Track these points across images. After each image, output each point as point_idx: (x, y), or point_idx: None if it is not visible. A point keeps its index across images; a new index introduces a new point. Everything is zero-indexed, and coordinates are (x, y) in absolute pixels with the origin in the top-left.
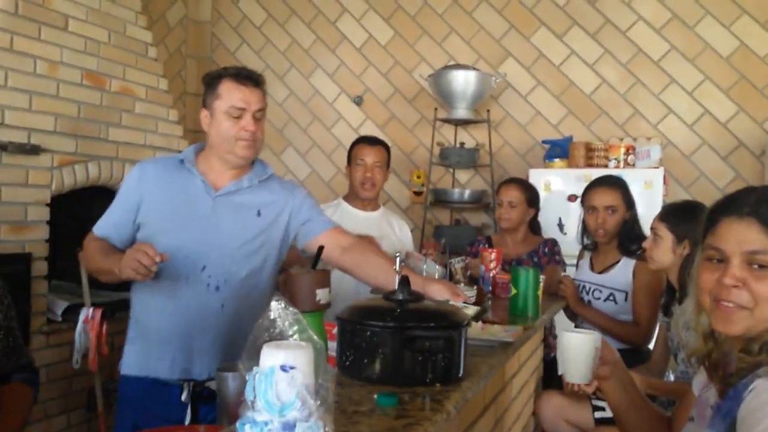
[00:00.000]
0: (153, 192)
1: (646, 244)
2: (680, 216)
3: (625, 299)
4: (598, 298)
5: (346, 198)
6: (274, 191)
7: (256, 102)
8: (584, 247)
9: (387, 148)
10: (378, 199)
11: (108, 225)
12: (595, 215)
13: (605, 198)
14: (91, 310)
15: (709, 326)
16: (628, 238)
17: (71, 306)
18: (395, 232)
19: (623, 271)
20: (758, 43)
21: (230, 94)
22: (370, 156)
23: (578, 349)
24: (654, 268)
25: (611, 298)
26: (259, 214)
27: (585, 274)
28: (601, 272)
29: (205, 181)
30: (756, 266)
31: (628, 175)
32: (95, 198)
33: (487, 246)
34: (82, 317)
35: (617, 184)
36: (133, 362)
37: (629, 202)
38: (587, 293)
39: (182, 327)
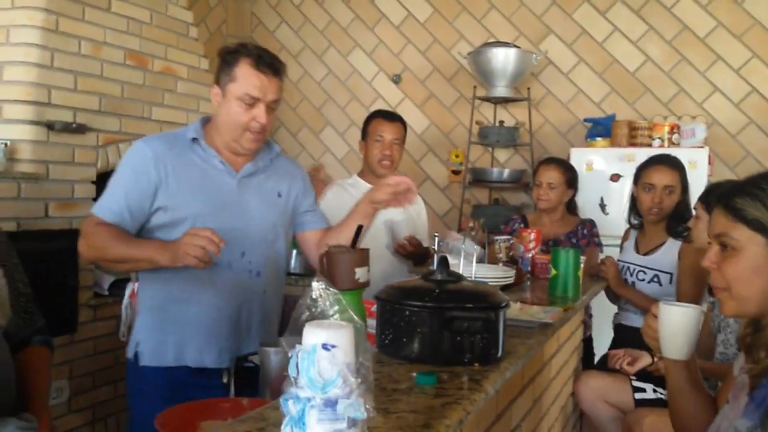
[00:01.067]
0: (172, 174)
1: (690, 224)
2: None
3: (670, 281)
4: (642, 280)
5: (361, 175)
6: (286, 171)
7: (272, 92)
8: (631, 226)
9: (404, 123)
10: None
11: (121, 209)
12: (652, 194)
13: (665, 177)
14: (136, 284)
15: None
16: (678, 219)
17: (117, 280)
18: (412, 215)
19: (669, 252)
20: None
21: (247, 80)
22: (389, 132)
23: (680, 323)
24: (698, 248)
25: (656, 279)
26: (279, 195)
27: (629, 256)
28: (645, 254)
29: (224, 162)
30: (723, 247)
31: (674, 155)
32: None
33: (523, 225)
34: (128, 291)
35: (677, 164)
36: (160, 353)
37: (685, 184)
38: (631, 275)
39: (228, 315)
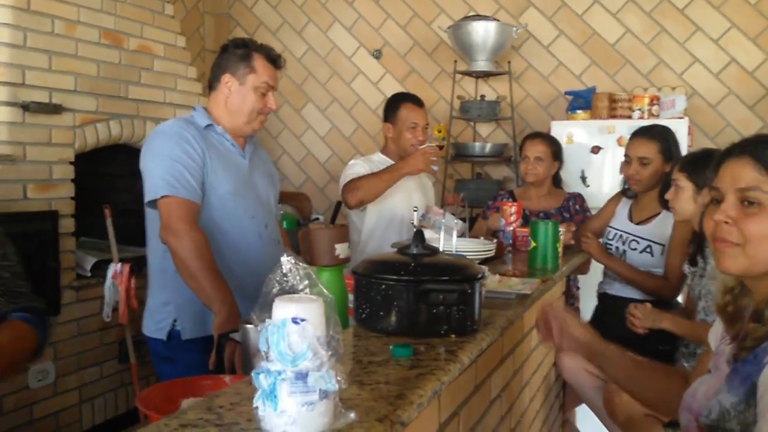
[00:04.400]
0: (207, 155)
1: (668, 196)
2: (699, 164)
3: (662, 253)
4: (635, 249)
5: (385, 153)
6: (266, 157)
7: (276, 83)
8: (626, 195)
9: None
10: None
11: (195, 187)
12: (628, 166)
13: (640, 149)
14: (119, 265)
15: (730, 279)
16: (667, 190)
17: (99, 262)
18: (426, 184)
19: (663, 224)
20: None
21: (264, 71)
22: (421, 119)
23: None
24: (678, 219)
25: (648, 250)
26: (270, 176)
27: (622, 223)
28: (639, 223)
29: (235, 144)
30: (746, 203)
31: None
32: (118, 156)
33: (510, 200)
34: (110, 272)
35: (655, 135)
36: (201, 323)
37: (668, 154)
38: (623, 243)
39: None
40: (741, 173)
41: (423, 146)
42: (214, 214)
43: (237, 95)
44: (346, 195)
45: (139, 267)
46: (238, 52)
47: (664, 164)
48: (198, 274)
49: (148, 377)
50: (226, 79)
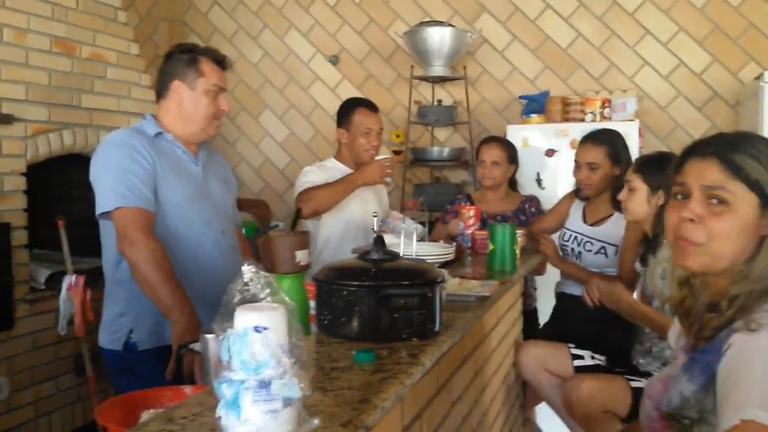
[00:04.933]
0: (157, 164)
1: (621, 196)
2: (653, 166)
3: (615, 253)
4: (590, 251)
5: (339, 159)
6: (221, 162)
7: (226, 83)
8: (578, 197)
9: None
10: None
11: (147, 194)
12: (578, 171)
13: (588, 155)
14: (74, 277)
15: (684, 274)
16: (618, 192)
17: (54, 274)
18: (379, 189)
19: (616, 225)
20: None
21: (213, 74)
22: (375, 124)
23: None
24: (630, 219)
25: (602, 251)
26: (226, 182)
27: (577, 225)
28: (593, 224)
29: (187, 151)
30: (714, 201)
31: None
32: (72, 166)
33: (468, 204)
34: (65, 284)
35: (603, 140)
36: (158, 333)
37: (616, 158)
38: (578, 244)
39: (222, 290)
40: (707, 172)
41: (379, 157)
42: (168, 223)
43: (189, 101)
44: (301, 205)
45: (94, 278)
46: (184, 57)
47: (612, 167)
48: (156, 284)
49: (106, 390)
50: (176, 85)
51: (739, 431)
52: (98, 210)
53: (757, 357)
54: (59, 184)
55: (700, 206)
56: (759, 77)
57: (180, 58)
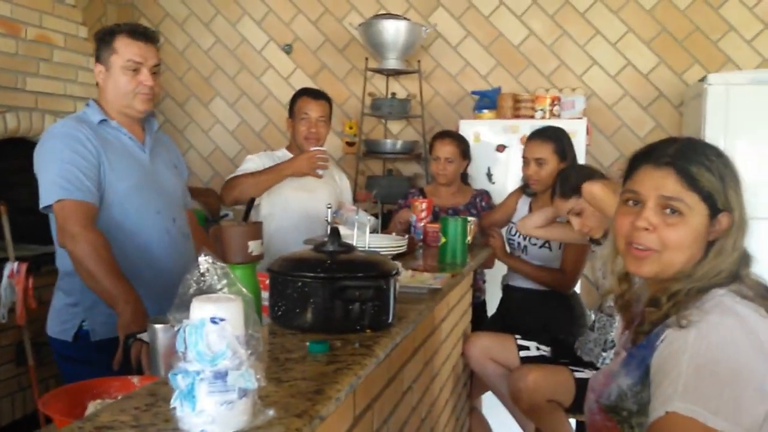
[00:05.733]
0: (102, 153)
1: (571, 219)
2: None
3: (559, 247)
4: (535, 244)
5: (289, 149)
6: (169, 145)
7: (152, 57)
8: (525, 193)
9: (330, 101)
10: None
11: (90, 187)
12: (527, 167)
13: (536, 151)
14: (16, 264)
15: (624, 268)
16: None
17: None
18: (336, 181)
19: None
20: None
21: (127, 49)
22: (314, 110)
23: None
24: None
25: (546, 245)
26: (175, 166)
27: None
28: None
29: (133, 137)
30: (668, 210)
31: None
32: (15, 150)
33: (420, 197)
34: (6, 272)
35: (550, 136)
36: (112, 324)
37: (563, 154)
38: (524, 238)
39: (173, 279)
40: (664, 182)
41: (313, 149)
42: (115, 213)
43: (108, 82)
44: (222, 192)
45: (37, 266)
46: (104, 38)
47: (559, 163)
48: (98, 276)
49: (47, 380)
50: (97, 69)
51: (665, 423)
52: (41, 204)
53: (684, 352)
54: (2, 169)
55: (655, 215)
56: (703, 79)
57: (100, 40)
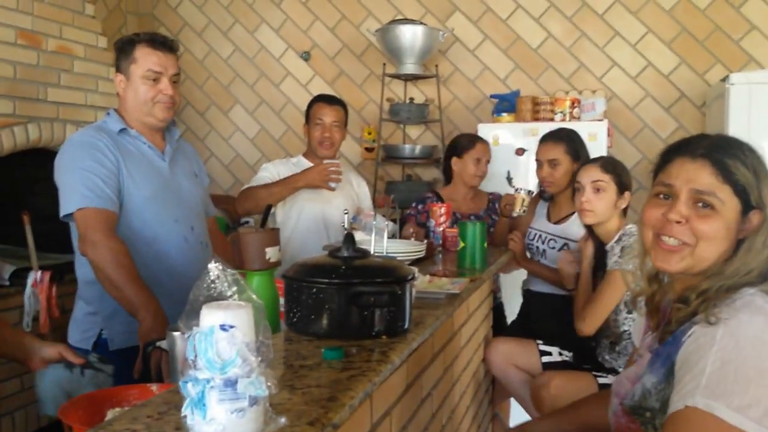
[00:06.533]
0: (122, 161)
1: (585, 197)
2: (621, 168)
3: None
4: (553, 248)
5: (306, 155)
6: (191, 154)
7: (172, 67)
8: (542, 198)
9: (345, 107)
10: (335, 157)
11: (110, 195)
12: (540, 169)
13: (548, 152)
14: (39, 273)
15: (654, 269)
16: None
17: (18, 270)
18: (354, 187)
19: (578, 222)
20: None
21: (147, 59)
22: (328, 116)
23: None
24: (592, 222)
25: (565, 248)
26: (196, 175)
27: (542, 224)
28: (556, 222)
29: (153, 146)
30: (701, 205)
31: (574, 129)
32: (37, 160)
33: (437, 200)
34: (30, 281)
35: (562, 137)
36: (131, 333)
37: (576, 154)
38: (543, 242)
39: (191, 287)
40: (698, 176)
41: (326, 161)
42: (134, 221)
43: (129, 92)
44: (236, 203)
45: (60, 274)
46: (123, 47)
47: (573, 164)
48: (119, 284)
49: None
50: (118, 79)
51: (683, 416)
52: (61, 212)
53: (710, 348)
54: (25, 179)
55: (687, 208)
56: (725, 79)
57: (120, 50)
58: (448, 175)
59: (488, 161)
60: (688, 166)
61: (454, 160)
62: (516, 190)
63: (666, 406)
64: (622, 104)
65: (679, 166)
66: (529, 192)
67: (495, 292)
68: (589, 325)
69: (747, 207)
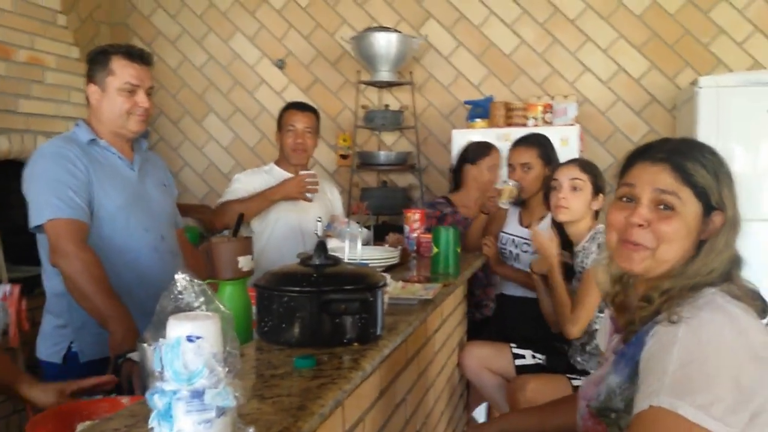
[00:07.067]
0: (92, 172)
1: (561, 194)
2: (597, 170)
3: None
4: (527, 252)
5: (278, 163)
6: (159, 164)
7: (147, 79)
8: (514, 203)
9: (316, 113)
10: (308, 164)
11: (80, 205)
12: (513, 173)
13: (520, 156)
14: (8, 286)
15: (618, 271)
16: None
17: None
18: (327, 194)
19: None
20: (668, 0)
21: (124, 71)
22: (300, 122)
23: None
24: (566, 220)
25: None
26: (165, 185)
27: (514, 228)
28: (529, 226)
29: (122, 157)
30: (662, 207)
31: (546, 133)
32: (8, 172)
33: (448, 206)
34: None
35: (534, 142)
36: (101, 344)
37: (547, 159)
38: (516, 246)
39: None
40: (659, 177)
41: (302, 172)
42: (104, 231)
43: (104, 103)
44: (213, 218)
45: (30, 287)
46: (98, 58)
47: (544, 168)
48: (90, 295)
49: None
50: (91, 89)
51: (648, 416)
52: (31, 223)
53: (672, 346)
54: None
55: (649, 211)
56: (694, 82)
57: (94, 60)
58: (457, 182)
59: (499, 167)
60: (649, 170)
61: (468, 166)
62: (504, 182)
63: (631, 407)
64: (594, 109)
65: (641, 169)
66: (517, 184)
67: (485, 307)
68: (580, 328)
69: (708, 209)
